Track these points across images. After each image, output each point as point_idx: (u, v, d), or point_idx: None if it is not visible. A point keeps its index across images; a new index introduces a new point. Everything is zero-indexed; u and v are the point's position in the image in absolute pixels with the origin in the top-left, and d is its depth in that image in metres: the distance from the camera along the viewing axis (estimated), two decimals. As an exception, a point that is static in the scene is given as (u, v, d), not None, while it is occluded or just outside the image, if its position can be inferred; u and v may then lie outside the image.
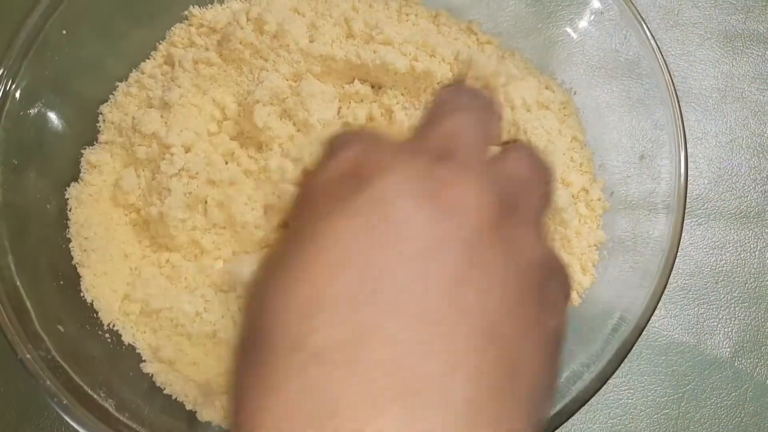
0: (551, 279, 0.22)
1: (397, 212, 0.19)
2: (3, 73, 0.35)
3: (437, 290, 0.18)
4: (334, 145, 0.23)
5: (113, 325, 0.36)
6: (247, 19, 0.37)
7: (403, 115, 0.37)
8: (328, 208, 0.20)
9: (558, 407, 0.32)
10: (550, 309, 0.21)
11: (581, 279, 0.35)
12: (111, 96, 0.39)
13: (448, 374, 0.17)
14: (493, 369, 0.18)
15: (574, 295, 0.35)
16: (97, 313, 0.36)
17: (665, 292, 0.34)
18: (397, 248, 0.19)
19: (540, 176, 0.25)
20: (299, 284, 0.19)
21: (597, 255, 0.36)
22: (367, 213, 0.19)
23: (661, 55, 0.37)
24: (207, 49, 0.39)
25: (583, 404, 0.32)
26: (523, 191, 0.23)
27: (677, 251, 0.34)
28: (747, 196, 0.47)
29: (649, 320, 0.33)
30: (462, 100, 0.25)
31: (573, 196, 0.36)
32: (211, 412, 0.34)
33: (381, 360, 0.17)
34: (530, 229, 0.22)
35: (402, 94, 0.38)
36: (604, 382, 0.32)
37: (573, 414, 0.31)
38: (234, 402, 0.19)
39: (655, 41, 0.37)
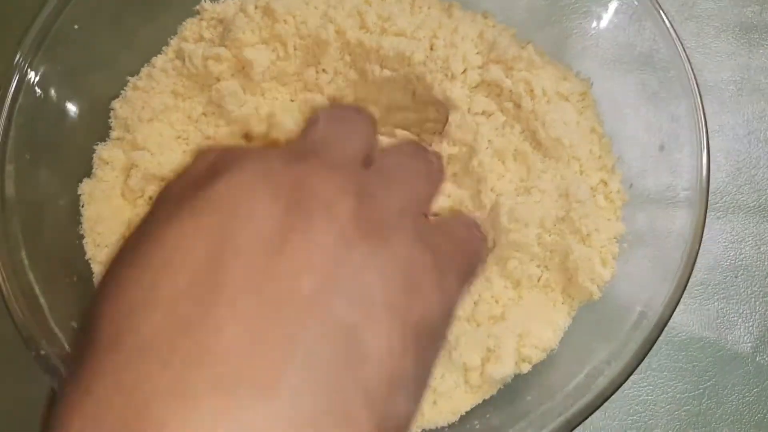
0: (425, 274, 0.21)
1: (242, 207, 0.19)
2: (15, 68, 0.35)
3: (278, 282, 0.18)
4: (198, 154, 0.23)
5: (127, 322, 0.36)
6: (255, 8, 0.37)
7: None
8: (176, 208, 0.20)
9: (580, 404, 0.31)
10: (420, 299, 0.20)
11: (601, 272, 0.34)
12: (122, 91, 0.39)
13: (275, 366, 0.16)
14: (332, 359, 0.17)
15: (594, 288, 0.34)
16: (111, 309, 0.36)
17: (684, 286, 0.33)
18: (238, 244, 0.18)
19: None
20: (131, 284, 0.18)
21: (617, 248, 0.35)
22: (210, 210, 0.19)
23: (682, 45, 0.36)
24: (215, 44, 0.38)
25: (605, 400, 0.31)
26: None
27: (700, 245, 0.33)
28: (766, 189, 0.46)
29: (671, 316, 0.32)
30: (342, 116, 0.25)
31: (592, 188, 0.35)
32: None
33: (200, 353, 0.16)
34: (403, 232, 0.21)
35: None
36: (626, 378, 0.31)
37: (595, 410, 0.31)
38: (48, 408, 0.18)
39: (675, 32, 0.36)
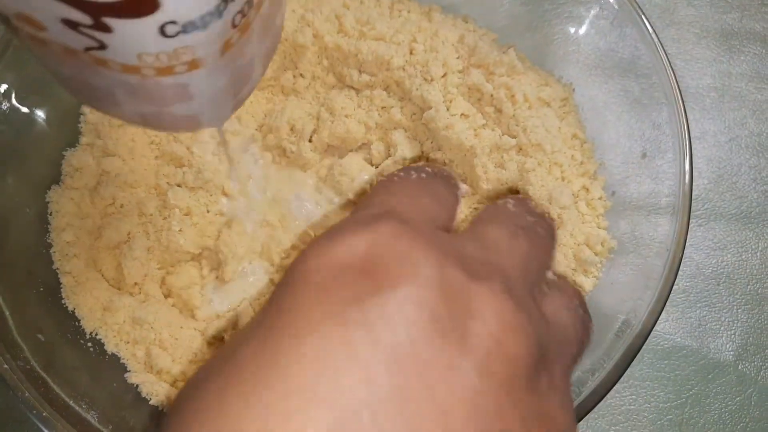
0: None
1: (406, 344, 0.17)
2: (-21, 70, 0.34)
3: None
4: (351, 220, 0.20)
5: (96, 334, 0.35)
6: None
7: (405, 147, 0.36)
8: (321, 312, 0.17)
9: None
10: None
11: (583, 281, 0.33)
12: (94, 95, 0.38)
13: None
14: None
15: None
16: (78, 321, 0.35)
17: (666, 294, 0.33)
18: (391, 386, 0.16)
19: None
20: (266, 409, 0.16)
21: (599, 256, 0.35)
22: (371, 335, 0.16)
23: (664, 51, 0.36)
24: None
25: (589, 411, 0.30)
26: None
27: (683, 253, 0.33)
28: (747, 196, 0.46)
29: (655, 324, 0.32)
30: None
31: (573, 195, 0.35)
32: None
33: None
34: (557, 396, 0.20)
35: (390, 96, 0.37)
36: (610, 389, 0.31)
37: (579, 420, 0.30)
38: None
39: (657, 37, 0.36)
